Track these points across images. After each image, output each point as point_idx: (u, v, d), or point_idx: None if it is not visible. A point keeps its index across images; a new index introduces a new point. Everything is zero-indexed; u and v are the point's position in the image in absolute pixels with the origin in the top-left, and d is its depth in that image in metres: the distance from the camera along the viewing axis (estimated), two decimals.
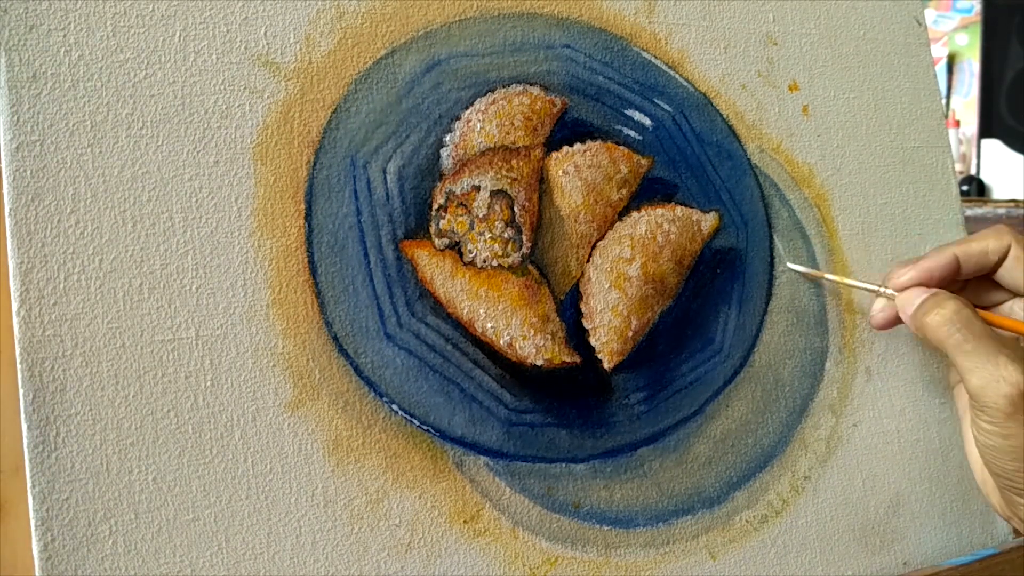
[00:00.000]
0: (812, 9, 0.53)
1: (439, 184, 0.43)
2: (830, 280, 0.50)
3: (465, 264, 0.42)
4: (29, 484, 0.35)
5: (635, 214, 0.46)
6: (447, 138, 0.43)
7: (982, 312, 0.45)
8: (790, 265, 0.49)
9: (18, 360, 0.35)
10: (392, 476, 0.40)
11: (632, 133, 0.47)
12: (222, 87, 0.40)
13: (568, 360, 0.43)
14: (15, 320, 0.35)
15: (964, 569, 0.51)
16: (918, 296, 0.45)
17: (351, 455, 0.40)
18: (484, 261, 0.43)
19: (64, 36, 0.37)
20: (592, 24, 0.47)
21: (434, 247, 0.42)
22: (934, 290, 0.45)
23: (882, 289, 0.47)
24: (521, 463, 0.42)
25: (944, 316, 0.43)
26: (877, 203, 0.53)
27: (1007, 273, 0.46)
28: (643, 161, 0.47)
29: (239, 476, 0.38)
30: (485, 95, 0.44)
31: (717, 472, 0.46)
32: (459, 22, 0.44)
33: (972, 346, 0.41)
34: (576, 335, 0.44)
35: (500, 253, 0.43)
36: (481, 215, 0.43)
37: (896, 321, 0.47)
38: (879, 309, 0.48)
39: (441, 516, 0.41)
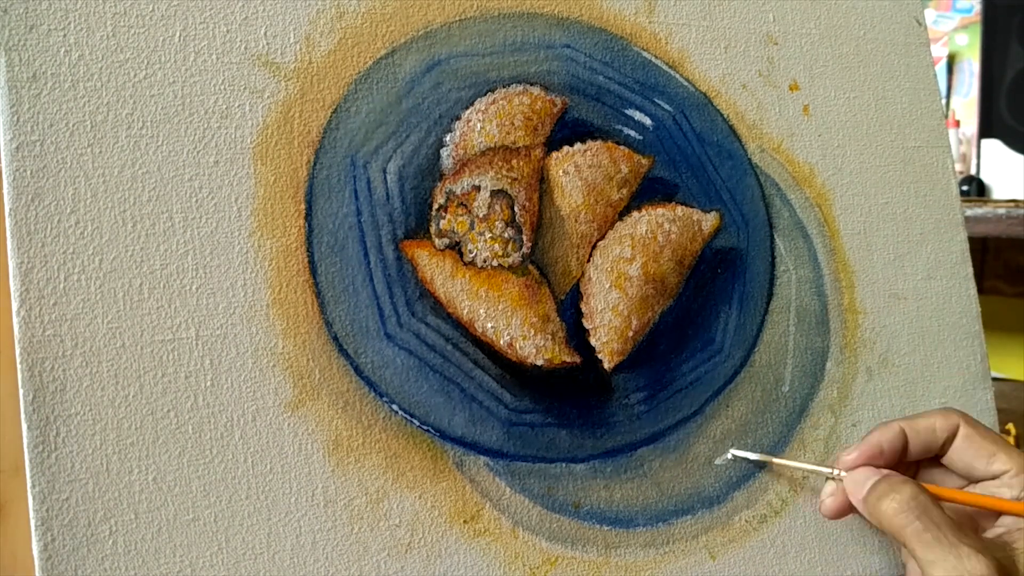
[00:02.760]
0: (812, 9, 0.53)
1: (439, 184, 0.43)
2: (777, 464, 0.46)
3: (465, 264, 0.42)
4: (29, 484, 0.35)
5: (636, 214, 0.46)
6: (447, 138, 0.43)
7: (942, 489, 0.42)
8: (733, 452, 0.45)
9: (18, 360, 0.35)
10: (392, 476, 0.40)
11: (632, 133, 0.47)
12: (222, 87, 0.40)
13: (568, 360, 0.43)
14: (15, 320, 0.35)
15: None
16: (869, 478, 0.41)
17: (351, 455, 0.40)
18: (484, 261, 0.43)
19: (64, 36, 0.37)
20: (592, 24, 0.47)
21: (434, 247, 0.42)
22: (885, 471, 0.41)
23: (834, 472, 0.43)
24: (521, 463, 0.42)
25: (900, 502, 0.39)
26: (878, 203, 0.53)
27: (956, 456, 0.43)
28: (643, 161, 0.47)
29: (239, 476, 0.38)
30: (485, 95, 0.44)
31: (717, 472, 0.46)
32: (459, 22, 0.44)
33: (932, 535, 0.38)
34: (576, 335, 0.44)
35: (500, 253, 0.43)
36: (481, 215, 0.43)
37: (849, 507, 0.43)
38: (828, 494, 0.43)
39: (441, 516, 0.41)
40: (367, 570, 0.39)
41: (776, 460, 0.46)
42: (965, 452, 0.43)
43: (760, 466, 0.46)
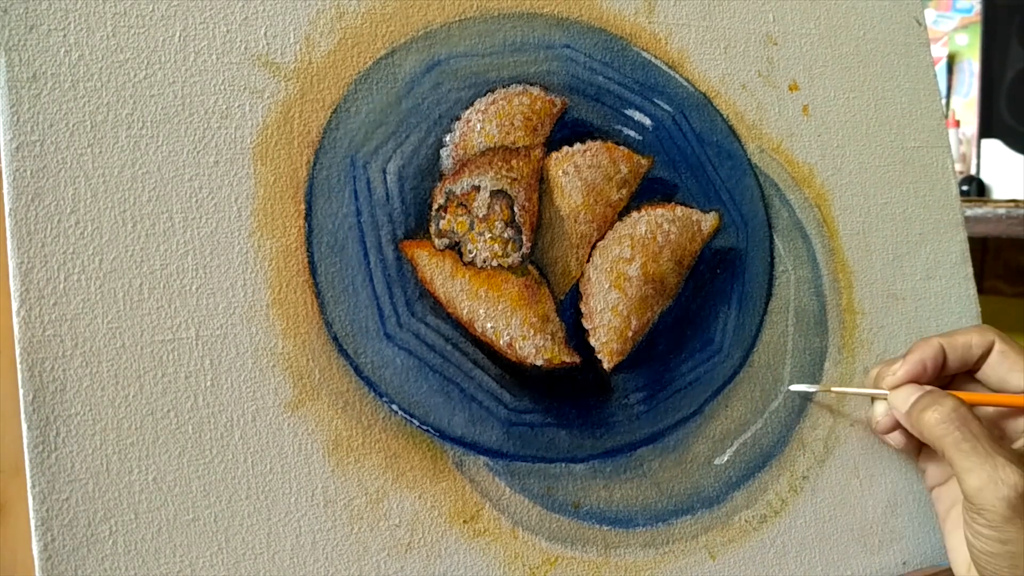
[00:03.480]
0: (812, 9, 0.53)
1: (439, 184, 0.43)
2: (835, 391, 0.48)
3: (465, 264, 0.42)
4: (29, 484, 0.35)
5: (635, 214, 0.46)
6: (447, 138, 0.43)
7: (980, 395, 0.45)
8: (791, 388, 0.48)
9: (18, 360, 0.35)
10: (392, 476, 0.40)
11: (632, 133, 0.47)
12: (222, 87, 0.40)
13: (568, 360, 0.43)
14: (15, 320, 0.35)
15: None
16: (913, 393, 0.44)
17: (351, 455, 0.40)
18: (484, 261, 0.43)
19: (64, 36, 0.37)
20: (592, 24, 0.47)
21: (434, 247, 0.42)
22: (928, 387, 0.44)
23: (879, 391, 0.46)
24: (521, 463, 0.42)
25: (942, 414, 0.42)
26: (878, 203, 0.53)
27: (991, 370, 0.45)
28: (643, 161, 0.47)
29: (239, 476, 0.38)
30: (485, 95, 0.44)
31: (716, 472, 0.46)
32: (459, 22, 0.44)
33: (970, 445, 0.40)
34: (576, 335, 0.44)
35: (500, 253, 0.43)
36: (481, 215, 0.43)
37: (898, 423, 0.46)
38: (881, 413, 0.47)
39: (441, 516, 0.41)
40: (367, 570, 0.39)
41: (834, 389, 0.48)
42: (999, 367, 0.45)
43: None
